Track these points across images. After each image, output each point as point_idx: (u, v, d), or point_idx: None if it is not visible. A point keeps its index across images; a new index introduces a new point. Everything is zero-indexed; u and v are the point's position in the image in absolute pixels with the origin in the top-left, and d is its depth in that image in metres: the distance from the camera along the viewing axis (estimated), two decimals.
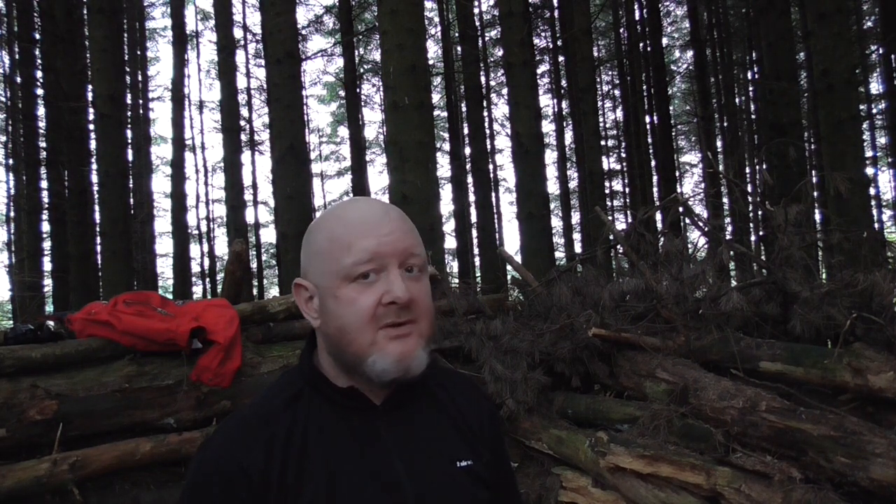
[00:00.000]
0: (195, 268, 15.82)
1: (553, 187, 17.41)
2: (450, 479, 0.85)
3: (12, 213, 11.41)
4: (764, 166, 7.97)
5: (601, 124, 15.92)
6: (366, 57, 16.94)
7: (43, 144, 9.42)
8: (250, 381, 3.17)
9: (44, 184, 9.52)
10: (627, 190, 17.71)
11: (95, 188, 8.38)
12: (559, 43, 14.86)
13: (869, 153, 14.97)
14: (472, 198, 14.38)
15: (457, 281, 6.99)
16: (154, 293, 3.50)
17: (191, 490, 0.78)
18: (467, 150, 14.57)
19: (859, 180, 5.91)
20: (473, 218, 15.29)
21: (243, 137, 13.83)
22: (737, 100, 16.28)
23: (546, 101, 18.32)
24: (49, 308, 9.94)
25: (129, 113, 12.05)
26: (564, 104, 17.25)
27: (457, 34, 14.36)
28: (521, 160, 7.80)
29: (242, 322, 3.29)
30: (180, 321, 3.07)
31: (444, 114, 16.29)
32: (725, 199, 10.18)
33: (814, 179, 8.15)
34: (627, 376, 3.16)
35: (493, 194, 16.48)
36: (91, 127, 8.29)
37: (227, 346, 3.09)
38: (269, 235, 19.50)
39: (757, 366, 2.77)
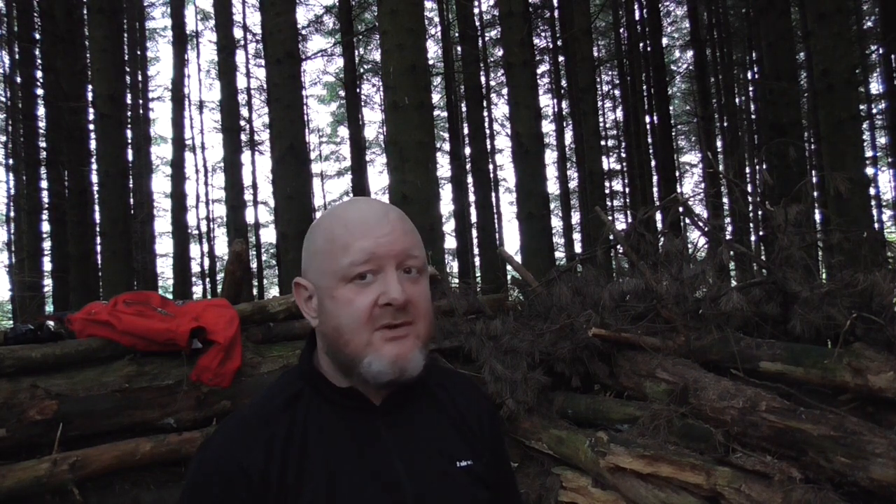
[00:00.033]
0: (195, 268, 15.84)
1: (553, 187, 17.44)
2: (450, 480, 0.85)
3: (12, 213, 11.41)
4: (764, 166, 7.97)
5: (601, 124, 15.93)
6: (366, 57, 16.94)
7: (43, 144, 9.42)
8: (250, 381, 3.17)
9: (44, 184, 9.52)
10: (627, 190, 17.71)
11: (95, 188, 8.38)
12: (559, 43, 14.86)
13: (869, 153, 14.97)
14: (472, 198, 14.38)
15: (457, 281, 6.99)
16: (154, 293, 3.50)
17: (191, 490, 0.78)
18: (467, 150, 14.57)
19: (859, 180, 5.91)
20: (473, 218, 15.29)
21: (243, 137, 13.83)
22: (737, 100, 16.28)
23: (546, 101, 18.34)
24: (49, 308, 9.94)
25: (129, 113, 12.05)
26: (564, 104, 17.25)
27: (457, 34, 14.36)
28: (521, 160, 7.80)
29: (242, 322, 3.29)
30: (180, 321, 3.07)
31: (444, 114, 16.29)
32: (725, 199, 10.17)
33: (814, 179, 8.15)
34: (627, 376, 3.16)
35: (493, 194, 16.48)
36: (91, 127, 8.29)
37: (227, 346, 3.09)
38: (269, 235, 19.53)
39: (757, 366, 2.78)
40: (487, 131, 15.84)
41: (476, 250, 15.87)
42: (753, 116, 15.62)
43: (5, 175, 11.71)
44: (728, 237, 4.20)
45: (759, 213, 5.23)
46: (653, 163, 14.75)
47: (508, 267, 6.61)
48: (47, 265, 9.74)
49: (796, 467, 2.21)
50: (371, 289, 0.80)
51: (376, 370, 0.79)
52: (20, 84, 10.01)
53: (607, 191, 16.05)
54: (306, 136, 7.89)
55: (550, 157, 17.66)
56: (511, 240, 28.65)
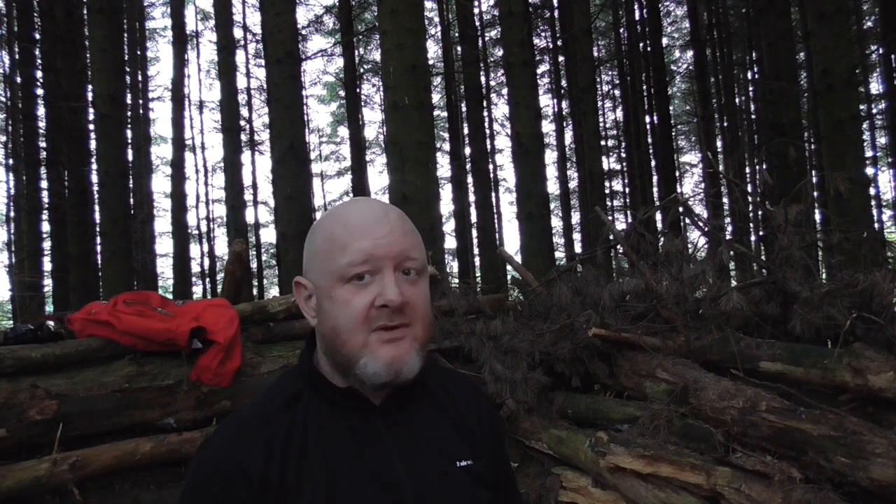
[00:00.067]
0: (195, 268, 15.84)
1: (553, 187, 17.44)
2: (450, 479, 0.85)
3: (12, 213, 11.41)
4: (764, 166, 7.97)
5: (601, 124, 15.93)
6: (366, 57, 16.94)
7: (43, 144, 9.42)
8: (250, 381, 3.17)
9: (44, 184, 9.52)
10: (627, 190, 17.71)
11: (95, 188, 8.38)
12: (559, 43, 14.86)
13: (869, 153, 14.97)
14: (472, 198, 14.38)
15: (457, 281, 6.99)
16: (154, 293, 3.50)
17: (191, 490, 0.78)
18: (467, 150, 14.57)
19: (859, 180, 5.91)
20: (473, 218, 15.29)
21: (243, 137, 13.83)
22: (737, 100, 16.29)
23: (546, 101, 18.35)
24: (49, 308, 9.94)
25: (129, 113, 12.05)
26: (564, 104, 17.26)
27: (457, 34, 14.36)
28: (521, 160, 7.80)
29: (242, 322, 3.29)
30: (180, 321, 3.07)
31: (444, 114, 16.29)
32: (725, 199, 10.17)
33: (814, 179, 8.15)
34: (627, 376, 3.16)
35: (493, 194, 16.48)
36: (91, 127, 8.29)
37: (227, 346, 3.09)
38: (269, 235, 19.53)
39: (757, 366, 2.78)
40: (487, 131, 15.85)
41: (476, 250, 15.87)
42: (753, 116, 15.62)
43: (5, 175, 11.72)
44: (728, 237, 4.20)
45: (759, 213, 5.24)
46: (653, 163, 14.75)
47: (508, 267, 6.62)
48: (47, 265, 9.74)
49: (796, 467, 2.21)
50: (368, 290, 0.80)
51: (372, 372, 0.79)
52: (20, 84, 10.01)
53: (607, 191, 16.05)
54: (306, 136, 7.89)
55: (550, 157, 17.69)
56: (511, 240, 28.69)
